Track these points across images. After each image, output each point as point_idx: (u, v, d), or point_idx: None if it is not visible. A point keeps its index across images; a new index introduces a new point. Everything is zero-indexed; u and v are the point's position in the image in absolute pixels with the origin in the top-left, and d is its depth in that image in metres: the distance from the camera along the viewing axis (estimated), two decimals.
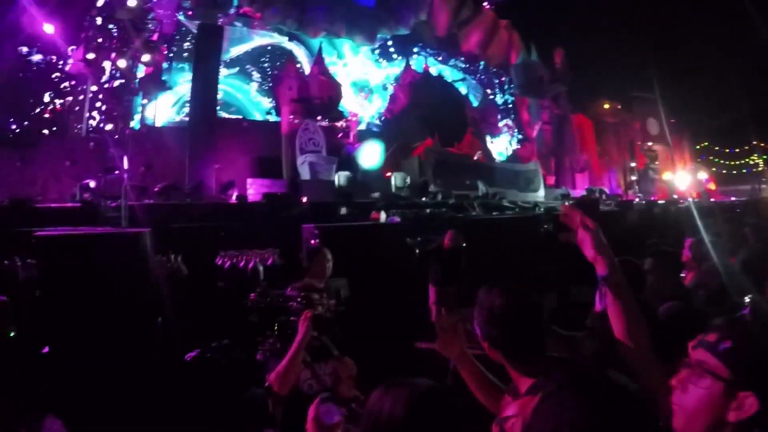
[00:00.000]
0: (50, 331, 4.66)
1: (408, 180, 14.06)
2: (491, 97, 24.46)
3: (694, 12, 26.14)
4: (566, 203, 15.50)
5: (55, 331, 4.67)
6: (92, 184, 10.83)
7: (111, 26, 13.34)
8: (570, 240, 1.91)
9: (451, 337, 2.19)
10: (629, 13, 25.24)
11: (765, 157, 29.95)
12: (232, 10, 15.97)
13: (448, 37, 21.19)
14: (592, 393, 1.43)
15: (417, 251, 2.33)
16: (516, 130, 24.06)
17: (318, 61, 18.21)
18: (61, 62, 14.50)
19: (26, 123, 13.72)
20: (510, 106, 24.47)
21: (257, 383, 3.04)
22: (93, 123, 13.84)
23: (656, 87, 23.55)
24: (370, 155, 15.74)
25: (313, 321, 2.82)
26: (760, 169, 30.20)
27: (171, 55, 16.89)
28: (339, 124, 17.01)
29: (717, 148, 32.88)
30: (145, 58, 13.47)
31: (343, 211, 9.60)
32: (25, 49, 13.87)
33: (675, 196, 21.00)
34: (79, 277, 4.94)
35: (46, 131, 13.91)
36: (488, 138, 22.82)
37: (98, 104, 13.78)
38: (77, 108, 14.48)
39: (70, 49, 14.06)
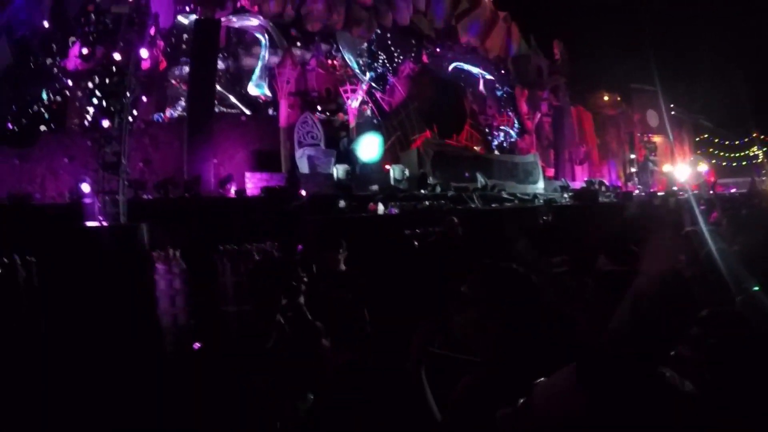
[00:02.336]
0: (50, 325, 4.67)
1: (407, 172, 14.03)
2: (490, 88, 24.34)
3: (694, 3, 26.07)
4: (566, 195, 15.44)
5: (55, 324, 4.67)
6: (86, 186, 10.81)
7: (107, 21, 13.28)
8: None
9: None
10: (629, 5, 25.17)
11: (765, 149, 29.91)
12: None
13: (446, 29, 21.06)
14: None
15: (416, 243, 2.32)
16: (515, 122, 23.99)
17: (316, 53, 18.13)
18: (58, 58, 14.43)
19: (24, 121, 13.66)
20: (508, 97, 24.41)
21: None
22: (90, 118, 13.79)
23: (656, 79, 23.47)
24: (369, 148, 15.69)
25: (285, 290, 3.17)
26: (759, 161, 30.18)
27: (168, 50, 16.77)
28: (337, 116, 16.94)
29: (717, 140, 32.86)
30: (143, 53, 13.39)
31: (342, 204, 9.58)
32: (22, 46, 13.78)
33: (674, 188, 20.99)
34: (78, 271, 4.94)
35: (43, 128, 13.85)
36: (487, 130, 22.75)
37: (95, 100, 13.70)
38: (75, 104, 14.41)
39: (71, 40, 14.01)
